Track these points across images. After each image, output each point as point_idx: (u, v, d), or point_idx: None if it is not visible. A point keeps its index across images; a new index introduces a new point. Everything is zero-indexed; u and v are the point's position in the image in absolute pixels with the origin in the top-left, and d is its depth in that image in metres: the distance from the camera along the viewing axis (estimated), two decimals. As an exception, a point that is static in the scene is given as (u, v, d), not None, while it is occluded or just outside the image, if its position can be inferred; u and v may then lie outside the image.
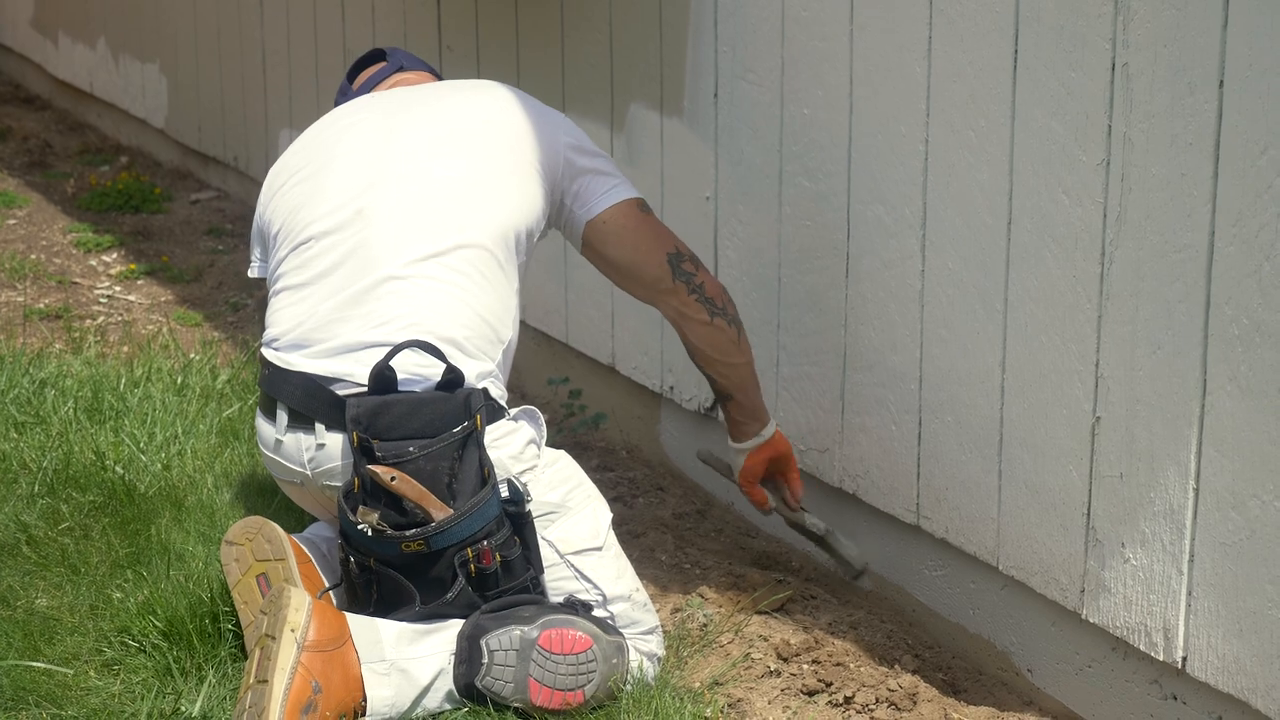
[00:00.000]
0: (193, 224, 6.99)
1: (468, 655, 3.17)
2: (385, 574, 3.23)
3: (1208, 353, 2.91)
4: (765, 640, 3.55)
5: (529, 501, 3.26)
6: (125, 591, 3.61)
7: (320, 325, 3.34)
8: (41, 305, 5.88)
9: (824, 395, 3.87)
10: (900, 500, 3.70)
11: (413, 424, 3.21)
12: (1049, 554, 3.30)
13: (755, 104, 3.96)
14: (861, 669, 3.41)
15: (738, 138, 4.07)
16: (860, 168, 3.69)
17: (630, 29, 4.41)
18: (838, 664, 3.42)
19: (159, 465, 4.28)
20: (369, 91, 3.78)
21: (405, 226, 3.37)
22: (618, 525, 3.42)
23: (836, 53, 3.71)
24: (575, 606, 3.27)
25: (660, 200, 4.31)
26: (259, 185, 7.06)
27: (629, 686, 3.24)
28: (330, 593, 3.35)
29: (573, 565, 3.31)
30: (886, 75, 3.58)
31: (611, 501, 3.47)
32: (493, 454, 3.25)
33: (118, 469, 4.23)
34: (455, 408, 3.22)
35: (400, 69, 3.83)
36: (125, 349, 5.41)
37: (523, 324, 3.62)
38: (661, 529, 4.13)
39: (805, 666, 3.43)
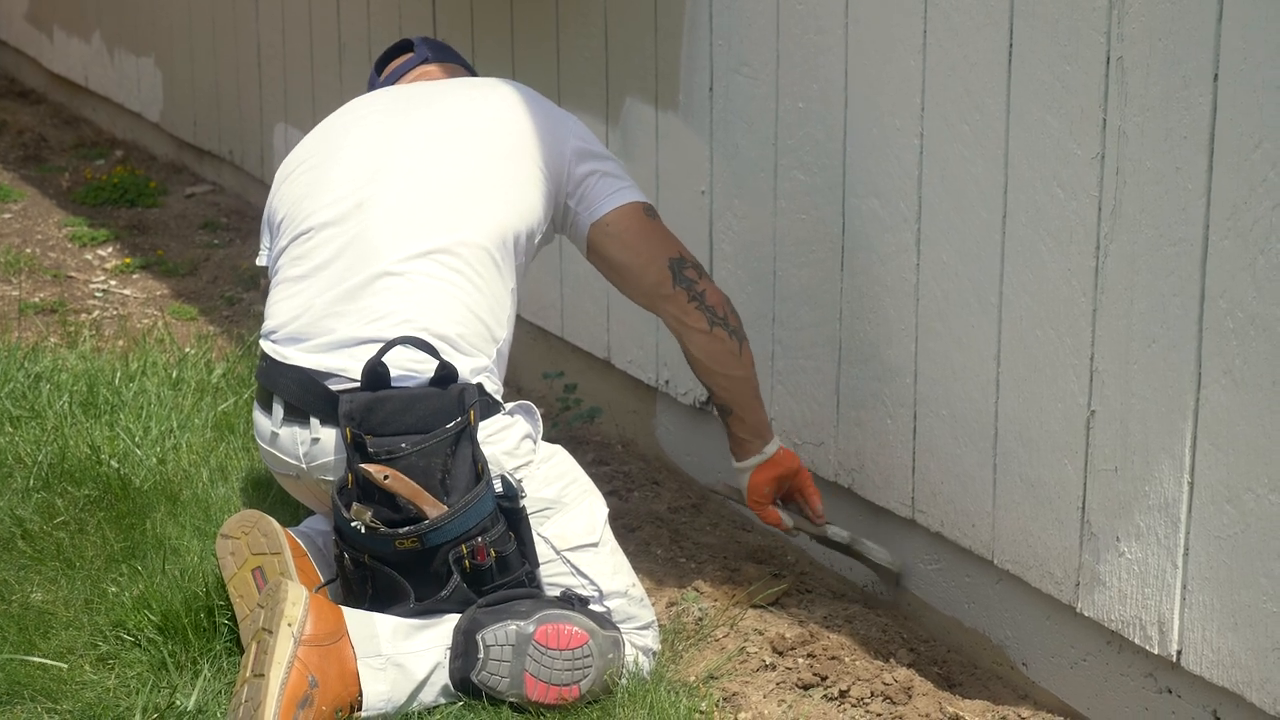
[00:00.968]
0: (188, 218, 6.99)
1: (464, 650, 3.18)
2: (380, 570, 3.23)
3: (1202, 346, 2.91)
4: (760, 634, 3.55)
5: (523, 497, 3.26)
6: (120, 586, 3.61)
7: (316, 319, 3.34)
8: (36, 299, 5.87)
9: (819, 389, 3.87)
10: (895, 494, 3.70)
11: (406, 420, 3.20)
12: (1044, 548, 3.31)
13: (750, 98, 3.96)
14: (857, 663, 3.42)
15: (733, 131, 4.06)
16: (855, 161, 3.69)
17: (625, 23, 4.41)
18: (833, 658, 3.42)
19: (154, 459, 4.28)
20: (393, 84, 3.78)
21: (404, 222, 3.37)
22: (613, 519, 3.42)
23: (832, 46, 3.70)
24: (572, 601, 3.27)
25: (656, 194, 4.30)
26: (254, 179, 7.10)
27: (624, 680, 3.24)
28: (326, 587, 3.35)
29: (569, 561, 3.31)
30: (882, 69, 3.58)
31: (607, 495, 3.47)
32: (487, 450, 3.25)
33: (113, 463, 4.22)
34: (448, 403, 3.22)
35: (426, 60, 3.84)
36: (120, 343, 5.40)
37: (518, 318, 3.61)
38: (657, 523, 4.13)
39: (800, 660, 3.43)
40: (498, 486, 3.24)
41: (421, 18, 5.46)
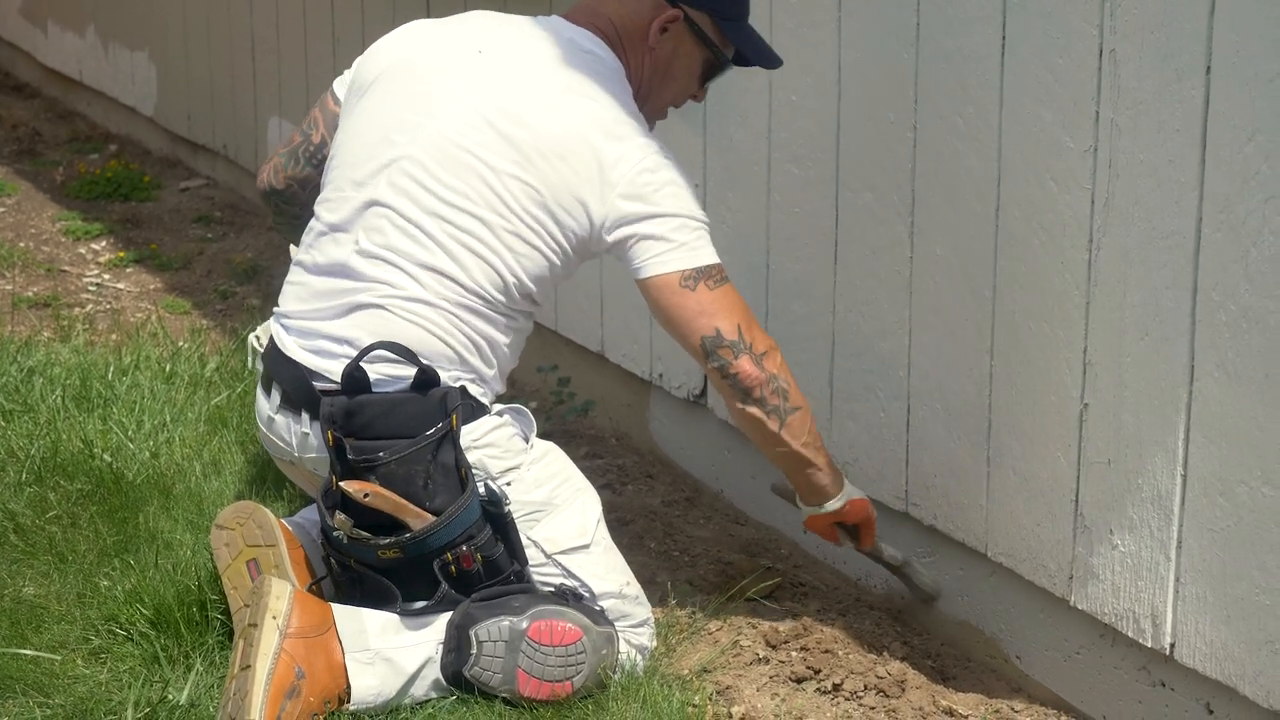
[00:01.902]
0: (182, 212, 6.99)
1: (456, 644, 3.17)
2: (367, 574, 3.23)
3: (1195, 339, 2.90)
4: (754, 627, 3.55)
5: (508, 504, 3.23)
6: (113, 579, 3.61)
7: (312, 319, 3.32)
8: (30, 293, 5.87)
9: (812, 382, 3.87)
10: (889, 487, 3.70)
11: (387, 424, 3.19)
12: (1037, 541, 3.30)
13: (743, 91, 3.96)
14: (850, 656, 3.42)
15: (726, 125, 4.06)
16: (848, 155, 3.69)
17: None
18: (826, 651, 3.42)
19: (147, 453, 4.28)
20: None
21: (402, 251, 3.29)
22: (606, 513, 3.41)
23: (825, 40, 3.70)
24: (566, 596, 3.26)
25: (649, 187, 4.29)
26: (248, 173, 7.10)
27: (617, 675, 3.24)
28: (320, 583, 3.34)
29: (560, 564, 3.30)
30: (875, 62, 3.57)
31: (600, 489, 3.46)
32: (474, 455, 3.23)
33: (106, 457, 4.22)
34: (430, 408, 3.20)
35: None
36: (114, 337, 5.40)
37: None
38: (650, 516, 4.13)
39: (794, 654, 3.43)
40: (481, 490, 3.23)
41: (417, 11, 5.46)
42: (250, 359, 3.96)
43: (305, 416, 3.30)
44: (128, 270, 6.25)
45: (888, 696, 3.28)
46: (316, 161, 3.55)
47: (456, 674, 3.18)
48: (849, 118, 3.67)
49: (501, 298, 3.27)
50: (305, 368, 3.30)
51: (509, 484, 3.27)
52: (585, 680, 3.20)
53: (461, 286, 3.24)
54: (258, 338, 3.93)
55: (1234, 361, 2.84)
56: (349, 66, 3.58)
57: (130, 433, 4.39)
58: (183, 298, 5.92)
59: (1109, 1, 2.98)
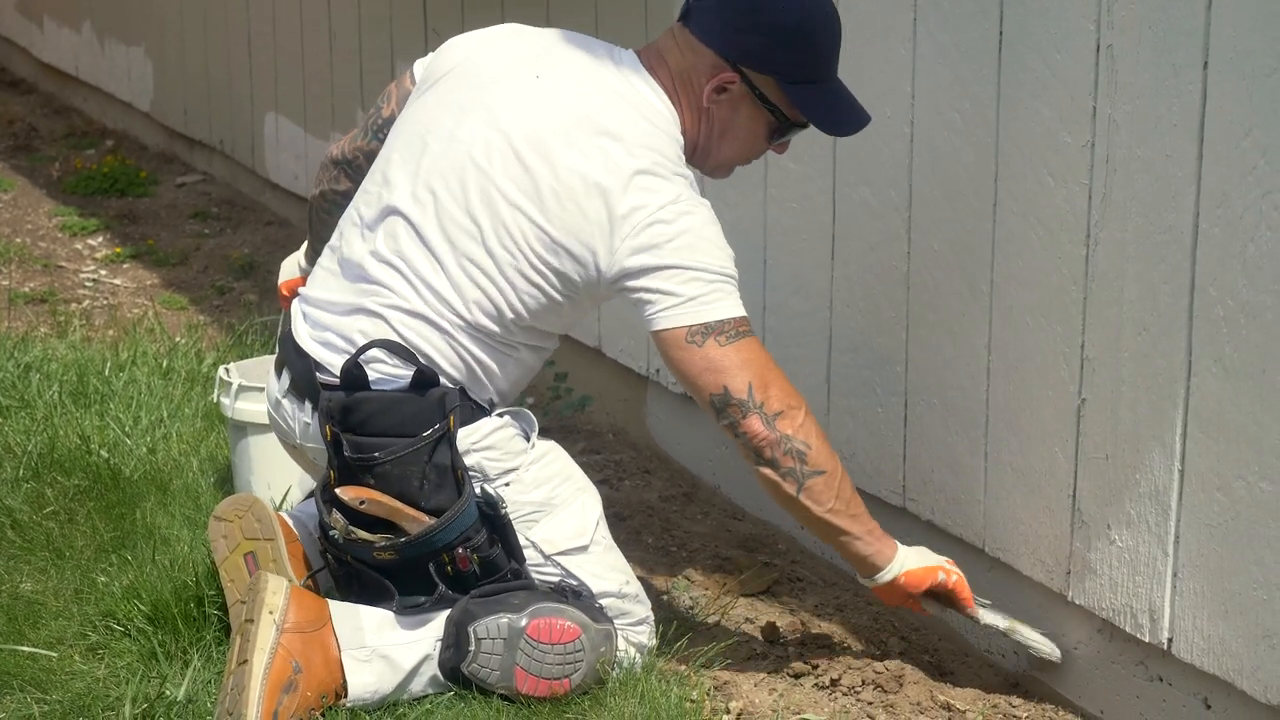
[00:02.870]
0: (178, 207, 6.98)
1: (455, 641, 3.17)
2: (364, 571, 3.23)
3: (1192, 334, 2.90)
4: (752, 623, 3.55)
5: (504, 507, 3.22)
6: (110, 575, 3.61)
7: (325, 309, 3.32)
8: (27, 289, 5.86)
9: (810, 378, 3.87)
10: (886, 482, 3.70)
11: (385, 422, 3.19)
12: (1035, 536, 3.31)
13: (741, 86, 3.95)
14: (848, 651, 3.42)
15: (723, 120, 4.06)
16: (846, 150, 3.68)
17: (616, 10, 4.40)
18: (824, 646, 3.43)
19: (144, 449, 4.28)
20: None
21: (413, 252, 3.26)
22: (604, 509, 3.40)
23: (822, 34, 3.70)
24: (565, 593, 3.26)
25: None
26: (244, 168, 7.10)
27: (616, 671, 3.24)
28: (316, 576, 3.35)
29: (559, 565, 3.30)
30: (872, 57, 3.57)
31: (597, 484, 3.45)
32: (473, 458, 3.22)
33: (103, 453, 4.22)
34: (428, 408, 3.20)
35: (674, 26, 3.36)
36: (111, 333, 5.40)
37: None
38: (648, 512, 4.13)
39: (791, 649, 3.43)
40: (478, 492, 3.22)
41: (412, 7, 5.46)
42: (217, 390, 3.97)
43: (309, 406, 3.30)
44: (124, 266, 6.25)
45: (885, 692, 3.28)
46: (383, 136, 3.50)
47: (454, 670, 3.18)
48: (846, 113, 3.67)
49: (497, 329, 3.23)
50: (312, 358, 3.30)
51: (508, 485, 3.26)
52: (583, 678, 3.19)
53: (455, 311, 3.22)
54: (227, 370, 3.93)
55: (1231, 357, 2.84)
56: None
57: (127, 428, 4.39)
58: (180, 293, 5.92)
59: (1106, -3, 2.99)
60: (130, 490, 4.01)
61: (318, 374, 3.28)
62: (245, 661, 3.04)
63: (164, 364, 4.90)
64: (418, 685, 3.19)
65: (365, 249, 3.29)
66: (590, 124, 3.20)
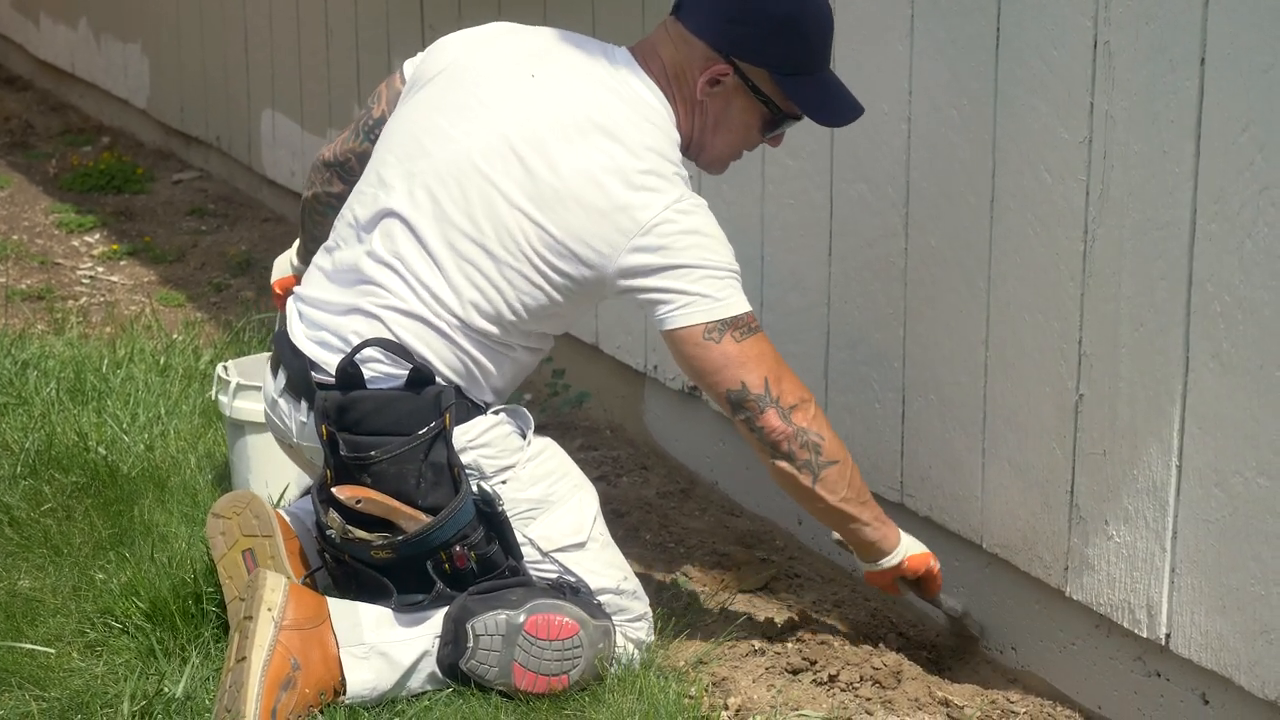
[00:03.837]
0: (175, 204, 6.98)
1: (453, 637, 3.17)
2: (362, 570, 3.23)
3: (1190, 330, 2.91)
4: (750, 619, 3.55)
5: (501, 504, 3.22)
6: (108, 573, 3.61)
7: (321, 309, 3.32)
8: (24, 286, 5.86)
9: (807, 374, 3.86)
10: (884, 478, 3.70)
11: (381, 421, 3.19)
12: (1033, 531, 3.31)
13: (738, 82, 3.95)
14: (846, 647, 3.42)
15: (720, 116, 4.06)
16: (843, 146, 3.68)
17: (613, 6, 4.40)
18: (822, 642, 3.43)
19: (142, 446, 4.28)
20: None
21: (411, 253, 3.26)
22: (602, 505, 3.40)
23: (819, 31, 3.70)
24: (563, 589, 3.26)
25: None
26: (241, 165, 7.09)
27: (614, 668, 3.24)
28: (315, 574, 3.35)
29: (557, 561, 3.30)
30: (869, 53, 3.57)
31: (595, 481, 3.46)
32: (469, 456, 3.22)
33: (100, 450, 4.22)
34: (424, 406, 3.19)
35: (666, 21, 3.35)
36: (108, 330, 5.40)
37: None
38: (645, 508, 4.13)
39: (789, 645, 3.43)
40: (474, 490, 3.22)
41: (409, 3, 5.46)
42: (215, 388, 3.97)
43: (304, 405, 3.30)
44: (121, 263, 6.25)
45: (884, 687, 3.28)
46: (374, 136, 3.49)
47: (453, 667, 3.18)
48: (843, 109, 3.67)
49: (495, 330, 3.23)
50: (307, 357, 3.30)
51: (504, 482, 3.26)
52: (582, 674, 3.20)
53: (453, 313, 3.22)
54: (225, 368, 3.93)
55: (1229, 352, 2.84)
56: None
57: (125, 425, 4.39)
58: (177, 290, 5.92)
59: (1103, -8, 2.99)
60: (128, 487, 4.01)
61: (313, 373, 3.28)
62: (244, 658, 3.04)
63: (161, 361, 4.90)
64: (416, 682, 3.19)
65: (361, 250, 3.29)
66: (590, 124, 3.20)
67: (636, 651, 3.32)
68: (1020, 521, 3.33)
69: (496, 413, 3.31)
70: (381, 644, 3.17)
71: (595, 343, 4.68)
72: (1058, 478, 3.22)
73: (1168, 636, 3.04)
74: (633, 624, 3.34)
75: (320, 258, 3.41)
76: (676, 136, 3.27)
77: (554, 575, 3.29)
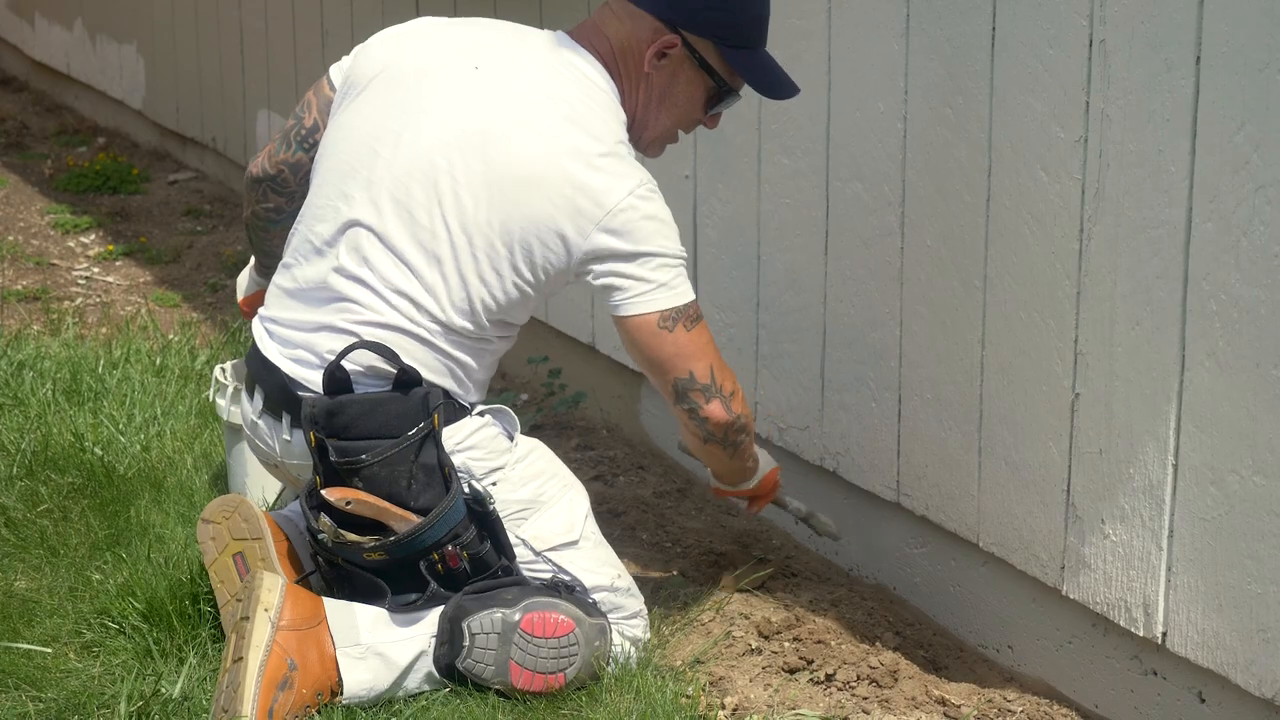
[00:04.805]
0: (171, 205, 6.98)
1: (449, 636, 3.17)
2: (355, 572, 3.23)
3: (1186, 328, 2.91)
4: (746, 618, 3.55)
5: (491, 503, 3.23)
6: (105, 573, 3.61)
7: (292, 328, 3.31)
8: (19, 287, 5.86)
9: (804, 373, 3.87)
10: (880, 477, 3.70)
11: (370, 424, 3.18)
12: (1029, 530, 3.31)
13: (734, 82, 3.95)
14: (843, 646, 3.42)
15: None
16: (839, 145, 3.69)
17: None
18: (819, 641, 3.43)
19: (138, 446, 4.28)
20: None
21: (380, 261, 3.26)
22: (599, 505, 3.41)
23: (814, 30, 3.70)
24: (558, 588, 3.27)
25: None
26: (237, 166, 7.08)
27: (611, 667, 3.24)
28: (309, 578, 3.34)
29: (550, 560, 3.30)
30: (865, 52, 3.57)
31: (592, 480, 3.46)
32: (458, 459, 3.22)
33: (96, 450, 4.22)
34: (412, 407, 3.19)
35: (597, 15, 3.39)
36: (104, 330, 5.40)
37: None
38: (642, 508, 4.13)
39: (786, 644, 3.43)
40: (465, 489, 3.22)
41: (405, 3, 5.46)
42: (213, 391, 3.96)
43: (286, 421, 3.29)
44: (117, 263, 6.25)
45: (880, 687, 3.28)
46: (309, 145, 3.49)
47: (449, 666, 3.18)
48: (839, 108, 3.67)
49: (471, 326, 3.24)
50: (285, 374, 3.29)
51: (494, 484, 3.27)
52: (578, 672, 3.20)
53: (432, 316, 3.22)
54: (224, 370, 3.92)
55: (1225, 351, 2.84)
56: (338, 58, 3.54)
57: (121, 426, 4.39)
58: (172, 291, 5.92)
59: (1099, -9, 2.99)
60: (124, 488, 4.01)
61: (297, 391, 3.26)
62: (240, 659, 3.04)
63: (157, 361, 4.90)
64: (413, 682, 3.19)
65: (327, 266, 3.27)
66: (544, 109, 3.22)
67: (633, 650, 3.32)
68: (1017, 520, 3.34)
69: (482, 414, 3.31)
70: (378, 644, 3.17)
71: (592, 342, 4.68)
72: (1054, 476, 3.23)
73: (1164, 635, 3.04)
74: (628, 621, 3.34)
75: (280, 276, 3.39)
76: (624, 115, 3.32)
77: (549, 575, 3.29)
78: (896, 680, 3.30)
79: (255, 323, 3.41)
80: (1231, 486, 2.86)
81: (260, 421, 3.36)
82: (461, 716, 3.13)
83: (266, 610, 3.08)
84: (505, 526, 3.25)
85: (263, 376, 3.33)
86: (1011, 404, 3.31)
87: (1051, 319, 3.18)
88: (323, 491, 3.17)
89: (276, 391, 3.30)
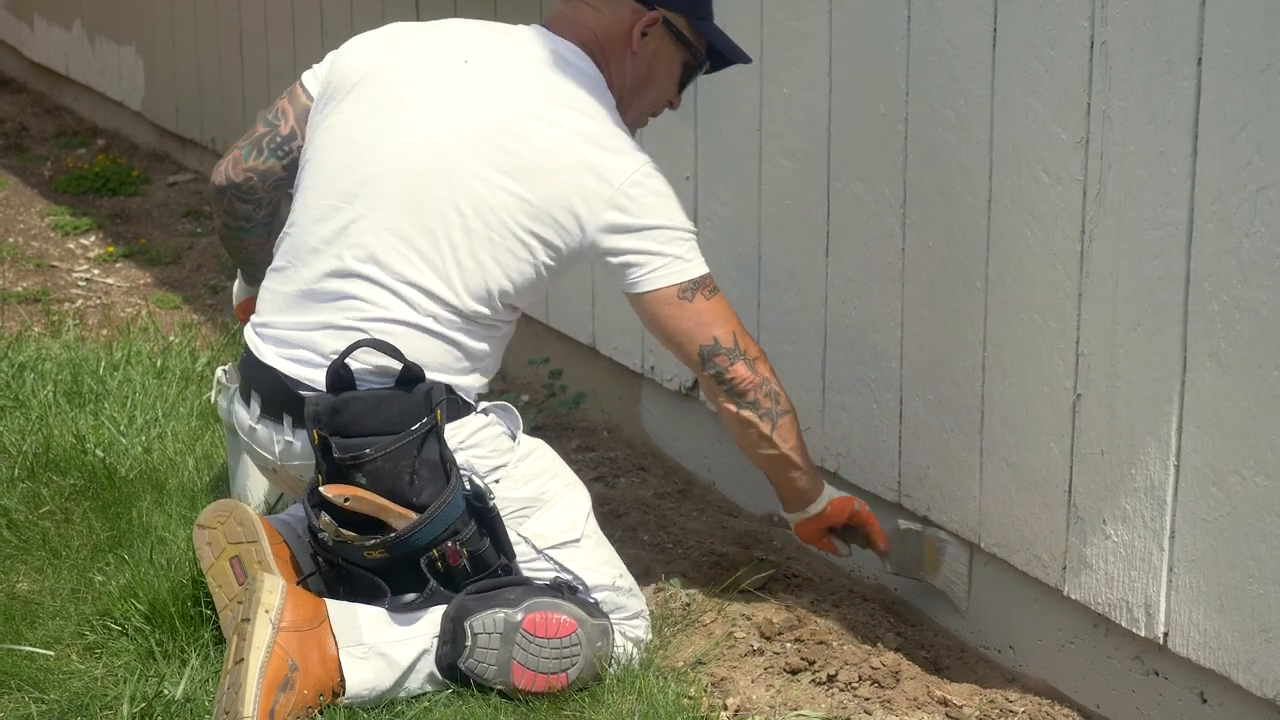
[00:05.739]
0: (170, 206, 6.98)
1: (452, 636, 3.17)
2: (355, 572, 3.23)
3: (1187, 329, 2.91)
4: (748, 619, 3.55)
5: (492, 499, 3.23)
6: (107, 575, 3.61)
7: (291, 329, 3.31)
8: (20, 288, 5.86)
9: (805, 374, 3.88)
10: (882, 478, 3.71)
11: (373, 421, 3.19)
12: (1030, 531, 3.31)
13: (734, 83, 3.96)
14: (844, 647, 3.42)
15: (717, 117, 4.06)
16: (840, 146, 3.69)
17: None
18: (820, 642, 3.43)
19: (139, 448, 4.28)
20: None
21: (386, 265, 3.28)
22: (599, 506, 3.41)
23: (815, 31, 3.70)
24: (561, 588, 3.27)
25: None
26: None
27: (613, 668, 3.24)
28: (308, 579, 3.34)
29: (552, 559, 3.30)
30: (866, 53, 3.58)
31: (593, 482, 3.46)
32: (460, 457, 3.23)
33: (98, 452, 4.22)
34: (415, 403, 3.20)
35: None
36: (104, 332, 5.40)
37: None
38: (643, 509, 4.13)
39: (788, 645, 3.44)
40: (465, 485, 3.22)
41: (404, 5, 5.46)
42: (215, 392, 3.96)
43: (287, 423, 3.30)
44: (117, 265, 6.25)
45: (882, 687, 3.29)
46: (283, 154, 3.49)
47: (451, 666, 3.18)
48: (840, 109, 3.67)
49: (486, 310, 3.27)
50: (284, 375, 3.29)
51: (497, 482, 3.27)
52: (580, 672, 3.20)
53: (444, 303, 3.23)
54: (225, 371, 3.92)
55: (1226, 352, 2.84)
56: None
57: (122, 428, 4.39)
58: (173, 292, 5.92)
59: (1100, -7, 2.99)
60: (126, 489, 4.01)
61: (299, 391, 3.26)
62: (241, 660, 3.04)
63: (158, 363, 4.90)
64: (415, 682, 3.19)
65: (327, 266, 3.28)
66: (544, 97, 3.30)
67: (635, 650, 3.32)
68: (1018, 521, 3.34)
69: (486, 413, 3.31)
70: (380, 644, 3.17)
71: (592, 344, 4.68)
72: (1055, 477, 3.23)
73: (1166, 635, 3.04)
74: (630, 622, 3.34)
75: (273, 280, 3.40)
76: (612, 100, 3.40)
77: (550, 574, 3.29)
78: (898, 681, 3.31)
79: (247, 330, 3.42)
80: (1233, 487, 2.87)
81: (259, 427, 3.36)
82: (464, 718, 3.13)
83: (267, 612, 3.08)
84: (507, 524, 3.26)
85: (259, 381, 3.34)
86: (1013, 405, 3.31)
87: (1053, 320, 3.18)
88: (322, 489, 3.17)
89: (275, 394, 3.30)
